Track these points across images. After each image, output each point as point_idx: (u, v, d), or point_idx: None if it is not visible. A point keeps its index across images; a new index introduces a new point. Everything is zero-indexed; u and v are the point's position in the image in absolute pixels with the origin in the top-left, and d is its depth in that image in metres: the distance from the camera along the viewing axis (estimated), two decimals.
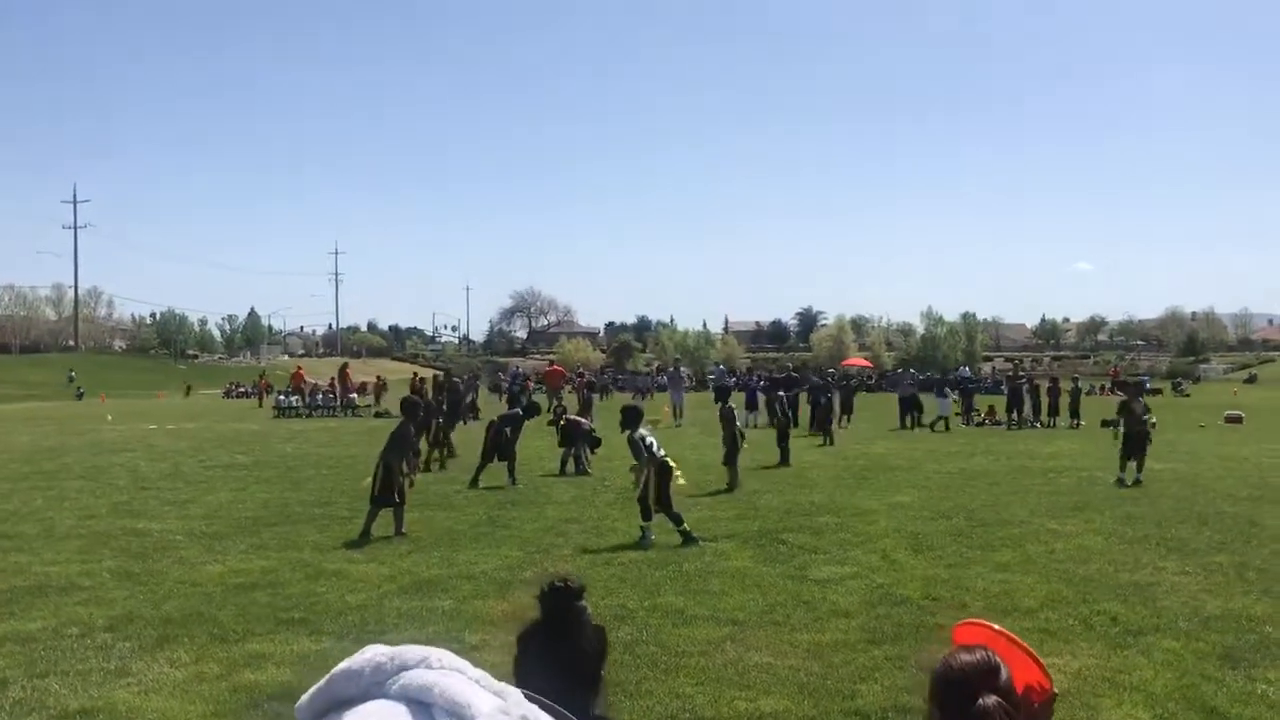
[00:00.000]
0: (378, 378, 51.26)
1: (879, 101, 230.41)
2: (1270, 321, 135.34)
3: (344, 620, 7.87)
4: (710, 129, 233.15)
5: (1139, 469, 15.98)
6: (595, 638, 2.80)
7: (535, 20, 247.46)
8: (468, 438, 26.69)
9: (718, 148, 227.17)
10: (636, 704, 5.93)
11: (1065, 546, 10.72)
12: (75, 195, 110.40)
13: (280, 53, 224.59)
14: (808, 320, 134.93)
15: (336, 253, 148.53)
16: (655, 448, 11.28)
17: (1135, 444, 16.16)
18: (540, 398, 41.38)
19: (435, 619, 7.88)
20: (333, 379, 43.56)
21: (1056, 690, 2.45)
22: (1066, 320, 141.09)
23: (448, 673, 1.74)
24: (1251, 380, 77.47)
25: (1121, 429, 16.70)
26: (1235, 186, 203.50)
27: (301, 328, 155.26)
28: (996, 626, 2.52)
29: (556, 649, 2.69)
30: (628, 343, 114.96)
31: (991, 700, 2.11)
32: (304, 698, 1.54)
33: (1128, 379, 19.24)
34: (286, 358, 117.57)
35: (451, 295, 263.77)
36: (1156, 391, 60.97)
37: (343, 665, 1.82)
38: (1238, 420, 31.63)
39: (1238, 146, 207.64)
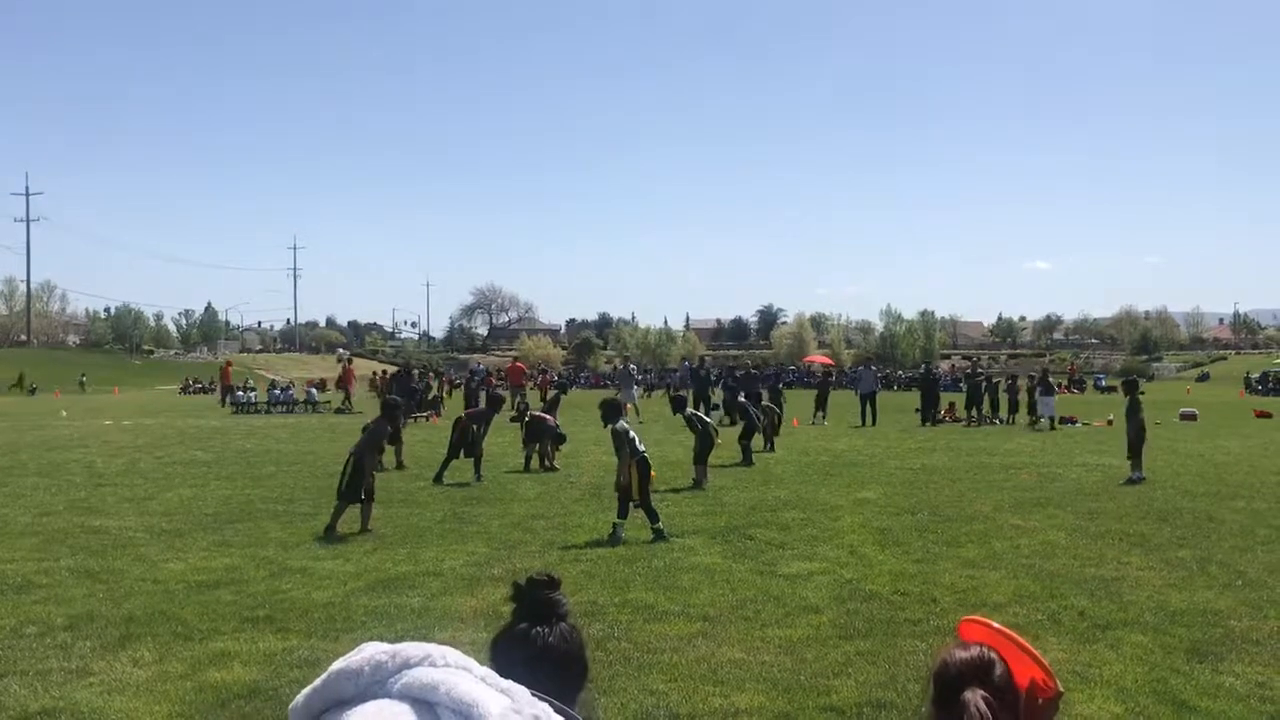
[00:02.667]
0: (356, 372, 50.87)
1: (839, 103, 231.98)
2: (1221, 320, 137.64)
3: (310, 618, 7.75)
4: (672, 129, 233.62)
5: (1138, 467, 16.03)
6: (572, 632, 2.75)
7: (498, 20, 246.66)
8: (434, 434, 26.55)
9: (680, 147, 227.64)
10: (609, 701, 5.88)
11: (1030, 542, 10.79)
12: (27, 188, 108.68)
13: (239, 46, 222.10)
14: (768, 318, 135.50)
15: (295, 248, 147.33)
16: (637, 442, 11.26)
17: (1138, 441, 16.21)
18: (503, 393, 41.41)
19: (403, 616, 7.79)
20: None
21: (1062, 689, 2.43)
22: (1023, 319, 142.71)
23: (453, 670, 1.68)
24: (1204, 379, 78.57)
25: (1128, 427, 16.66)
26: (1188, 189, 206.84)
27: (259, 323, 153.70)
28: (997, 624, 2.51)
29: (533, 645, 2.64)
30: (589, 340, 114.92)
31: (972, 694, 2.10)
32: (299, 698, 1.47)
33: (1132, 376, 19.30)
34: (244, 353, 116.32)
35: (412, 291, 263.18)
36: (1111, 389, 61.82)
37: (339, 664, 1.75)
38: (1192, 418, 32.07)
39: (1191, 151, 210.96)
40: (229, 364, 47.60)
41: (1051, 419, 29.10)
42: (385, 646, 1.83)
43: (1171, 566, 9.52)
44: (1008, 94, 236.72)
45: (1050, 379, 31.90)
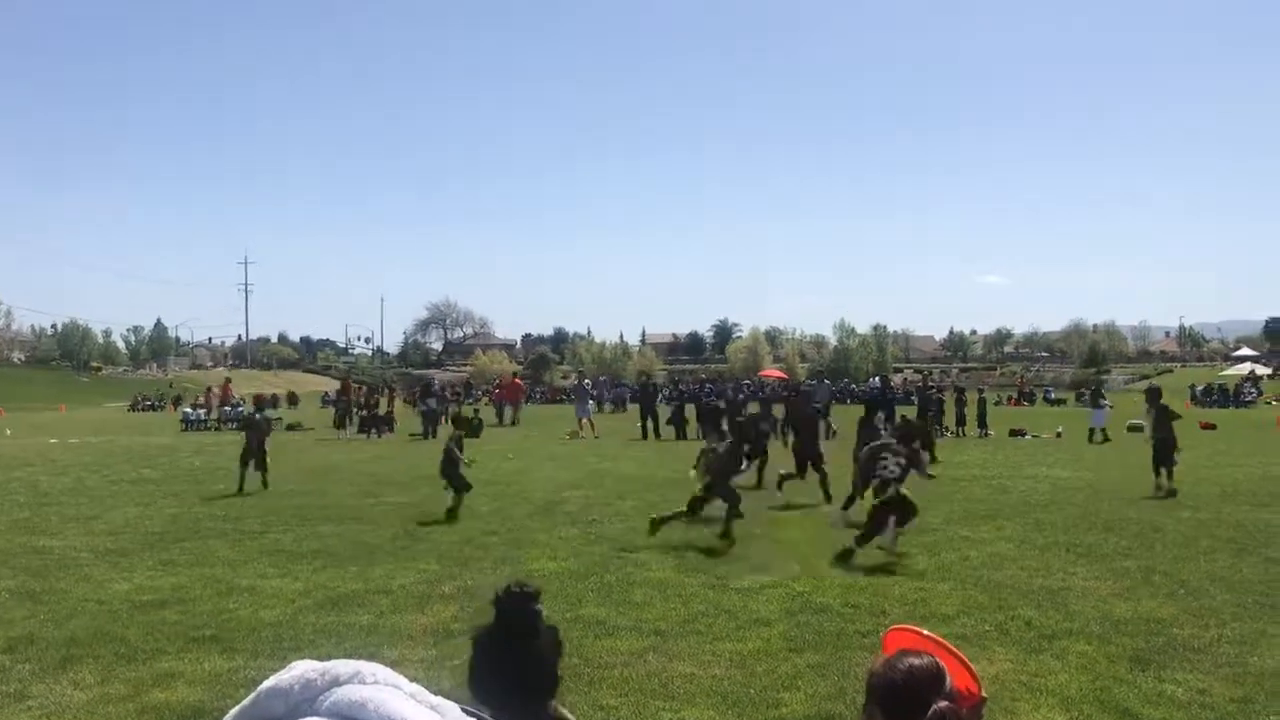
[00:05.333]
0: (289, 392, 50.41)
1: (793, 119, 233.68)
2: (1167, 334, 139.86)
3: (258, 637, 7.66)
4: (626, 143, 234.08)
5: (1170, 477, 15.85)
6: (550, 639, 2.76)
7: (450, 33, 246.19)
8: (388, 450, 26.36)
9: (634, 162, 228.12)
10: None
11: (979, 554, 10.91)
12: None
13: (188, 60, 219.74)
14: (723, 332, 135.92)
15: (246, 263, 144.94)
16: None
17: (1165, 452, 16.15)
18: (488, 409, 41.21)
19: (352, 634, 7.72)
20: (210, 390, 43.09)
21: (985, 695, 2.46)
22: (974, 332, 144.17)
23: (382, 688, 1.67)
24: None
25: (1152, 436, 16.77)
26: (1136, 205, 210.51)
27: (210, 339, 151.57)
28: (926, 631, 2.53)
29: (512, 653, 2.65)
30: (545, 355, 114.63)
31: (944, 705, 2.12)
32: (228, 717, 1.46)
33: (1153, 385, 18.85)
34: (194, 370, 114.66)
35: (365, 307, 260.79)
36: (1061, 402, 62.63)
37: (269, 682, 1.74)
38: (1138, 429, 32.52)
39: (1139, 167, 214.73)
40: (229, 380, 46.68)
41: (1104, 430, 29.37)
42: (315, 664, 1.82)
43: (1116, 576, 9.66)
44: (961, 108, 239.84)
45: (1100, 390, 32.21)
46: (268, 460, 17.11)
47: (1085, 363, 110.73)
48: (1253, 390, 61.17)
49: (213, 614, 8.39)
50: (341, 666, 1.69)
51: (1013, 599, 8.75)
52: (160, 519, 13.81)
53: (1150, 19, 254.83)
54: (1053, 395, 67.83)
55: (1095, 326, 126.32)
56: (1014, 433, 31.71)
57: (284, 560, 10.74)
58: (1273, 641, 7.39)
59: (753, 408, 27.21)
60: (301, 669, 1.72)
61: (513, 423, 37.99)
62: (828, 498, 15.02)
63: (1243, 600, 8.64)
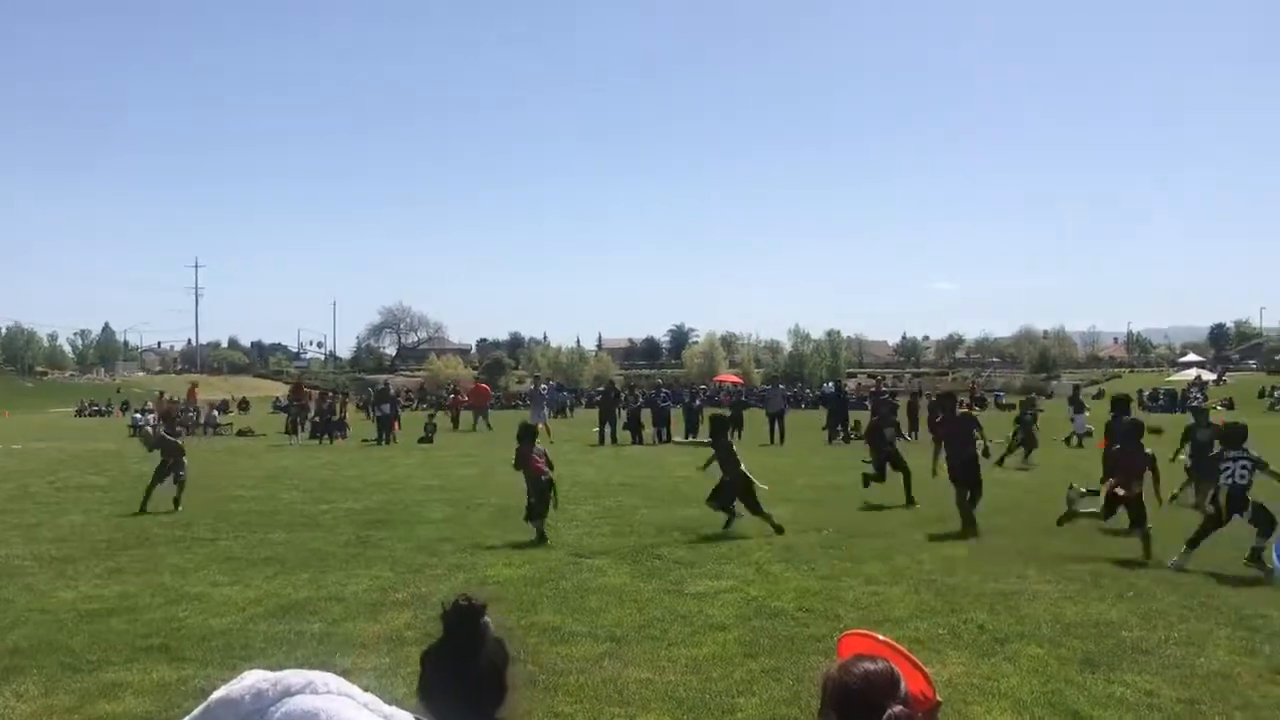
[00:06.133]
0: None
1: (749, 124, 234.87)
2: (1116, 340, 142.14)
3: (207, 646, 7.55)
4: (580, 149, 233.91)
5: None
6: (498, 650, 2.75)
7: (402, 37, 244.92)
8: (339, 457, 26.12)
9: (591, 168, 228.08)
10: None
11: (931, 558, 11.01)
12: None
13: (136, 55, 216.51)
14: (680, 337, 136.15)
15: (197, 266, 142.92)
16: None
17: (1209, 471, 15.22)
18: (466, 415, 40.87)
19: (304, 643, 7.63)
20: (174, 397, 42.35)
21: (940, 699, 2.48)
22: (926, 338, 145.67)
23: (334, 697, 1.65)
24: (1099, 396, 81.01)
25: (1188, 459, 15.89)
26: (1085, 210, 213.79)
27: (159, 343, 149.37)
28: (881, 636, 2.55)
29: (460, 667, 2.64)
30: (500, 359, 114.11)
31: (899, 710, 2.13)
32: None
33: (1199, 404, 18.08)
34: (143, 374, 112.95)
35: (318, 311, 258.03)
36: (1012, 406, 63.41)
37: (220, 693, 1.71)
38: (1088, 434, 33.00)
39: (1088, 174, 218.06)
40: (195, 385, 45.83)
41: (1083, 435, 29.59)
42: (267, 674, 1.80)
43: (1066, 579, 9.79)
44: (914, 116, 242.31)
45: (1079, 397, 32.56)
46: (184, 479, 15.43)
47: (1035, 368, 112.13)
48: (1198, 395, 62.23)
49: (161, 622, 8.25)
50: (294, 676, 1.67)
51: (965, 603, 8.84)
52: (107, 526, 13.60)
53: (1102, 23, 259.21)
54: (1004, 400, 68.66)
55: (1045, 332, 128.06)
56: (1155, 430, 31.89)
57: (235, 567, 10.60)
58: (1218, 643, 7.52)
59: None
60: (253, 679, 1.70)
61: (489, 427, 37.83)
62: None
63: (1189, 602, 8.79)
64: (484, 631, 2.56)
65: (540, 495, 12.45)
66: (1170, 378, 77.66)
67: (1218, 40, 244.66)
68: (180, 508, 14.93)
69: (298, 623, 8.23)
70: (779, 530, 12.54)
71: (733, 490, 13.17)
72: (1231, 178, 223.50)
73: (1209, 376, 73.49)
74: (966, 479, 13.34)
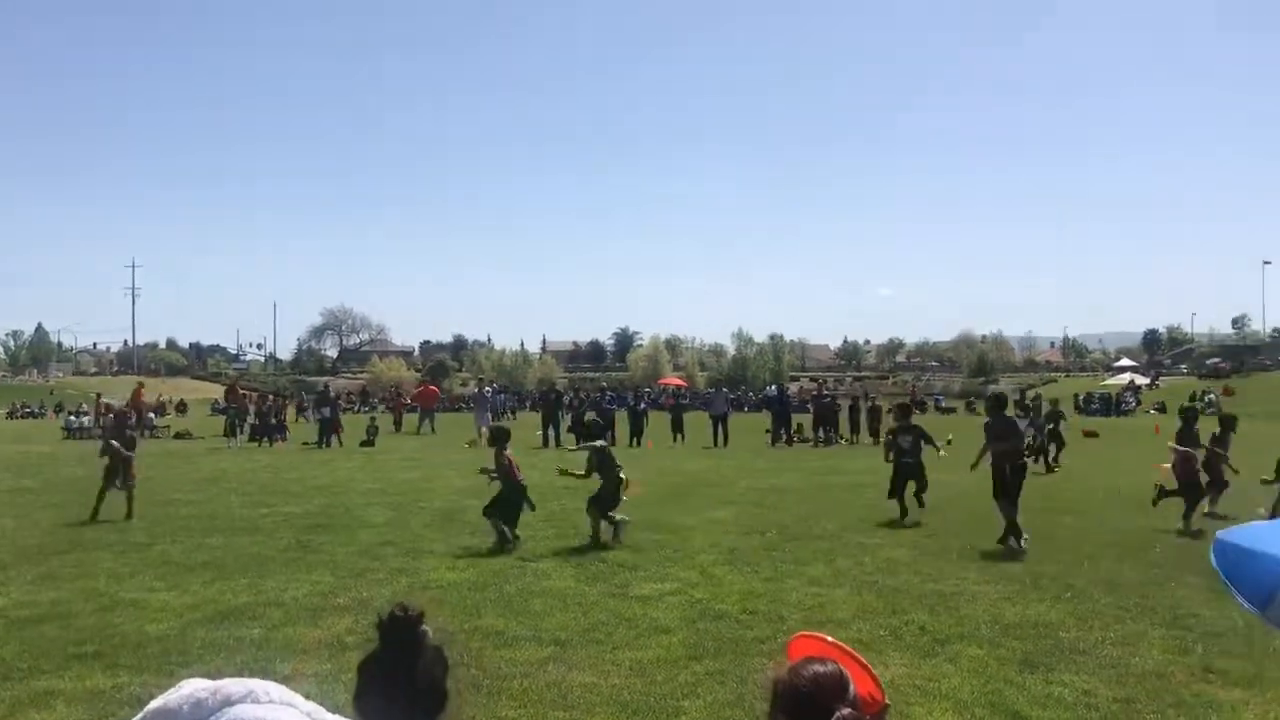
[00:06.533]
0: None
1: (690, 126, 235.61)
2: (1052, 344, 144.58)
3: (143, 653, 7.40)
4: (524, 151, 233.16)
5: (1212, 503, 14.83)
6: (436, 659, 2.73)
7: (345, 35, 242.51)
8: (279, 460, 25.76)
9: (535, 169, 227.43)
10: None
11: (873, 559, 11.11)
12: None
13: (74, 47, 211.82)
14: (624, 341, 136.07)
15: (134, 266, 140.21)
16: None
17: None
18: (411, 418, 40.46)
19: (243, 648, 7.50)
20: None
21: (888, 701, 2.50)
22: (868, 342, 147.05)
23: (277, 707, 1.62)
24: (1038, 399, 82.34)
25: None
26: (1022, 219, 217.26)
27: (95, 345, 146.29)
28: (831, 639, 2.55)
29: (398, 676, 2.61)
30: (443, 362, 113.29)
31: (848, 712, 2.13)
32: None
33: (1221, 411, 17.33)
34: (77, 376, 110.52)
35: (258, 312, 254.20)
36: (951, 410, 64.27)
37: (157, 703, 1.67)
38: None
39: (1028, 182, 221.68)
40: (141, 385, 44.65)
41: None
42: (206, 683, 1.76)
43: (1006, 580, 9.93)
44: (856, 123, 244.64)
45: (1027, 402, 32.48)
46: (134, 485, 14.95)
47: (974, 372, 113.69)
48: (1132, 399, 63.60)
49: (96, 629, 8.07)
50: (233, 685, 1.64)
51: (906, 604, 8.93)
52: (39, 531, 13.29)
53: (1038, 29, 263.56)
54: (943, 403, 69.62)
55: (983, 337, 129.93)
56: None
57: (172, 573, 10.40)
58: (1153, 643, 7.68)
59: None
60: (191, 688, 1.66)
61: (433, 430, 37.53)
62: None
63: (1125, 603, 8.96)
64: (421, 640, 2.54)
65: (515, 499, 12.25)
66: (1105, 382, 79.07)
67: (1146, 50, 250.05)
68: (134, 518, 14.30)
69: (236, 628, 8.10)
70: (598, 540, 12.07)
71: (612, 498, 12.45)
72: (1164, 188, 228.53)
73: (1142, 381, 75.01)
74: (1010, 483, 12.42)
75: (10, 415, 63.76)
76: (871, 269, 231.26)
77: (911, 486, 14.78)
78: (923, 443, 15.02)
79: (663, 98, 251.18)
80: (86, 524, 13.82)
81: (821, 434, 32.27)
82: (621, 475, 12.54)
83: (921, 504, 14.52)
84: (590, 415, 18.53)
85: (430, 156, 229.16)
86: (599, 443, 12.97)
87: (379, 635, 2.55)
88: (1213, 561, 3.46)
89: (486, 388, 40.69)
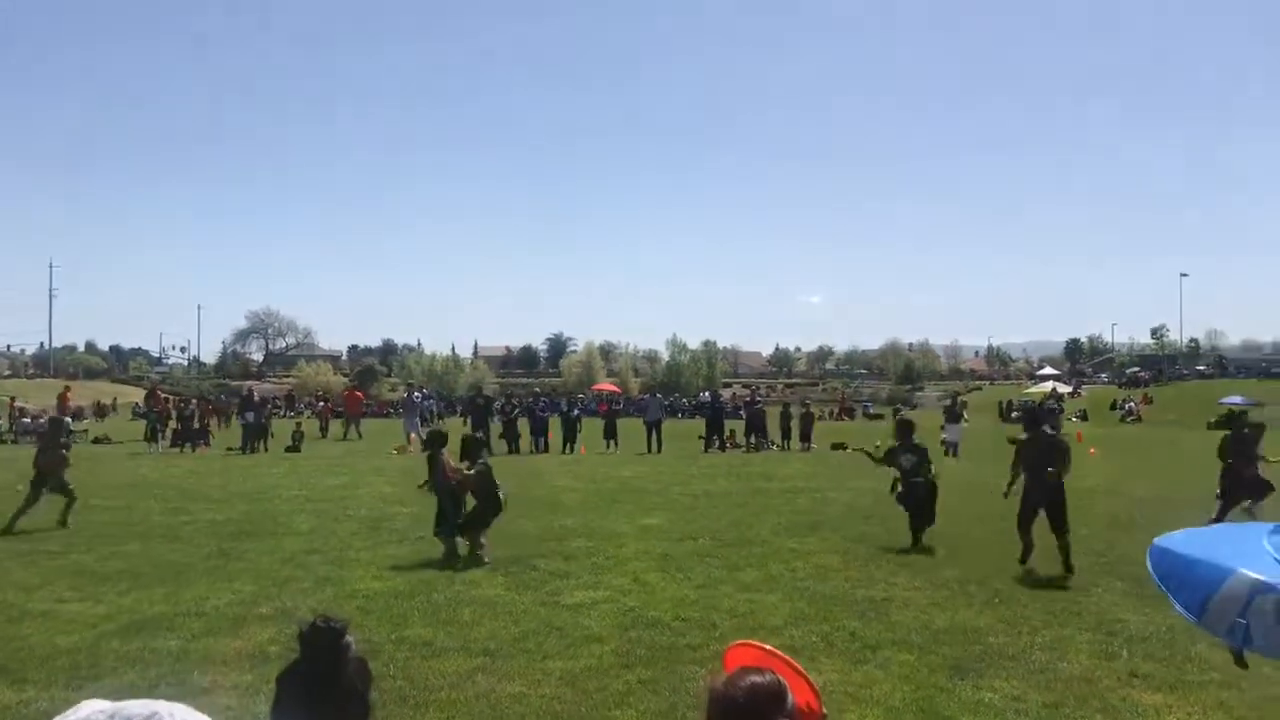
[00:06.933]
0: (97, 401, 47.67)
1: (624, 129, 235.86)
2: (977, 353, 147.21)
3: (52, 666, 7.11)
4: (454, 155, 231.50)
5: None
6: (359, 673, 2.62)
7: (271, 29, 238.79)
8: (201, 465, 25.18)
9: (467, 171, 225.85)
10: None
11: (805, 565, 11.11)
12: None
13: None
14: (558, 346, 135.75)
15: (51, 266, 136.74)
16: None
17: (1251, 487, 14.11)
18: (337, 423, 39.78)
19: (159, 661, 7.25)
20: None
21: (825, 711, 2.43)
22: (798, 349, 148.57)
23: None
24: (964, 406, 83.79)
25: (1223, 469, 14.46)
26: (950, 226, 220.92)
27: (9, 346, 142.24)
28: (769, 647, 2.49)
29: (320, 690, 2.49)
30: (372, 367, 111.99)
31: None
32: None
33: (1234, 412, 16.61)
34: None
35: (180, 314, 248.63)
36: (880, 417, 65.05)
37: None
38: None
39: (955, 190, 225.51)
40: (68, 389, 43.23)
41: (954, 446, 29.92)
42: (105, 705, 1.62)
43: (935, 586, 9.98)
44: (791, 135, 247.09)
45: (957, 408, 32.84)
46: (71, 490, 14.38)
47: (901, 379, 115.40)
48: (1055, 407, 64.93)
49: (2, 641, 7.75)
50: (135, 707, 1.52)
51: (837, 610, 8.93)
52: None
53: (966, 38, 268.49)
54: (871, 410, 70.53)
55: (910, 345, 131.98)
56: (835, 446, 32.68)
57: (85, 582, 10.05)
58: (1079, 647, 7.75)
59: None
60: (88, 710, 1.54)
61: (359, 436, 36.97)
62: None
63: (1051, 608, 9.06)
64: (345, 653, 2.43)
65: (453, 504, 11.86)
66: (1028, 390, 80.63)
67: (1081, 58, 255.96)
68: (70, 524, 13.83)
69: (152, 640, 7.82)
70: (453, 557, 11.41)
71: (487, 516, 11.88)
72: (1085, 200, 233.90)
73: (1065, 389, 76.66)
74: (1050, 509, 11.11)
75: None
76: (801, 278, 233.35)
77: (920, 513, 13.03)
78: (928, 462, 13.36)
79: (593, 99, 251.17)
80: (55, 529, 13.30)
81: (754, 440, 32.42)
82: (501, 496, 12.02)
83: (916, 540, 12.63)
84: (469, 432, 17.27)
85: (358, 156, 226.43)
86: (484, 462, 12.26)
87: (300, 646, 2.43)
88: (1149, 568, 3.45)
89: (415, 393, 40.23)
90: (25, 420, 38.86)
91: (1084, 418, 58.62)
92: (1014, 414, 61.02)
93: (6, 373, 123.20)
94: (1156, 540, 3.51)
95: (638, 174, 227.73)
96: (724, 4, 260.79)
